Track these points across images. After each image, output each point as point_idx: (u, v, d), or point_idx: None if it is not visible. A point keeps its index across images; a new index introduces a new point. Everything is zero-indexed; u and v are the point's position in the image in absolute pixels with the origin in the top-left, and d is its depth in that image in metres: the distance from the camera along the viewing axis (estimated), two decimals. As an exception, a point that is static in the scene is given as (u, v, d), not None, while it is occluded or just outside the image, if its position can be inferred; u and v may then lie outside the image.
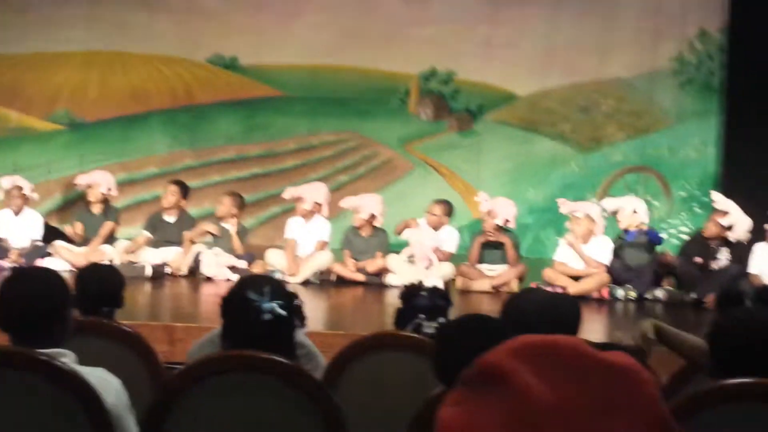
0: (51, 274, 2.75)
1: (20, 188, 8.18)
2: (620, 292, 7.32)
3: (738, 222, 7.33)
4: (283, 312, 2.68)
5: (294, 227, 7.95)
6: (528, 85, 10.06)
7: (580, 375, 1.01)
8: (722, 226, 7.36)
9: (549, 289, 7.11)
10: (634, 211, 7.54)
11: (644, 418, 1.01)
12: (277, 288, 2.75)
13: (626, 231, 7.59)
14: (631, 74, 9.86)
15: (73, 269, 7.54)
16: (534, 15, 9.94)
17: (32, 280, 2.66)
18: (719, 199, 7.58)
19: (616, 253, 7.53)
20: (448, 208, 7.86)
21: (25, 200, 8.23)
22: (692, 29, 9.76)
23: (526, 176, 10.00)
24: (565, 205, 7.61)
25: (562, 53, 9.88)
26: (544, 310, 2.87)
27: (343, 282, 7.66)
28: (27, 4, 10.26)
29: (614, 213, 7.62)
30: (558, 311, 2.92)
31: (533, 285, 7.17)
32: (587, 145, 10.03)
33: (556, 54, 9.89)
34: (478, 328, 2.45)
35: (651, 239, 7.44)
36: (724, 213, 7.40)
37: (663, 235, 7.72)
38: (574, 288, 7.24)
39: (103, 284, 3.64)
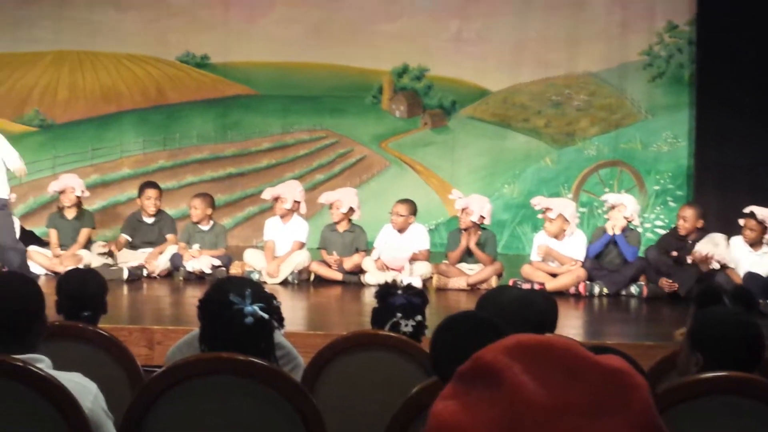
0: (25, 279, 2.73)
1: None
2: (596, 289, 7.36)
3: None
4: (264, 315, 2.67)
5: (272, 228, 7.93)
6: (500, 80, 10.09)
7: (573, 376, 1.02)
8: (693, 221, 7.43)
9: (527, 285, 7.15)
10: (630, 216, 7.50)
11: (636, 422, 1.01)
12: (257, 290, 2.75)
13: (604, 230, 7.57)
14: (601, 68, 9.92)
15: (49, 274, 7.48)
16: (503, 9, 9.97)
17: (6, 286, 2.64)
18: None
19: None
20: (413, 207, 7.85)
21: (4, 203, 8.10)
22: (661, 22, 9.83)
23: (500, 172, 10.04)
24: (539, 203, 7.64)
25: (533, 48, 9.92)
26: (518, 308, 2.89)
27: (321, 281, 7.66)
28: (-7, 6, 10.16)
29: (611, 207, 7.54)
30: (532, 308, 2.94)
31: (511, 282, 7.20)
32: (561, 140, 10.08)
33: (527, 49, 9.93)
34: (476, 325, 2.45)
35: (624, 256, 7.43)
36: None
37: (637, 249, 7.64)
38: (551, 284, 7.27)
39: (84, 289, 3.63)
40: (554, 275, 7.43)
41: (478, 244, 7.61)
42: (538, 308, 2.98)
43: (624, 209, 7.45)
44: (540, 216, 7.71)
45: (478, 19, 9.98)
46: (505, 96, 10.13)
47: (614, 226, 7.44)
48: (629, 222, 7.50)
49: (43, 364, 2.50)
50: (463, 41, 10.00)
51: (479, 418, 1.00)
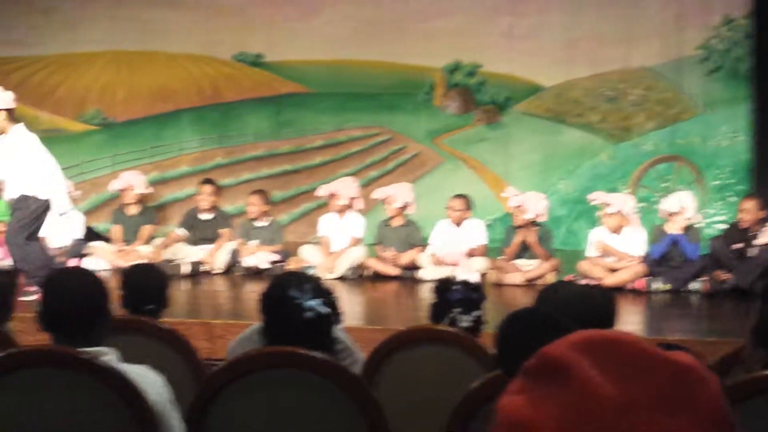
0: (90, 275, 2.79)
1: (63, 187, 8.25)
2: (656, 285, 7.25)
3: None
4: (324, 310, 2.70)
5: (326, 224, 7.98)
6: (553, 75, 10.01)
7: (642, 371, 1.01)
8: (754, 213, 7.31)
9: (584, 281, 7.08)
10: (691, 217, 7.33)
11: (707, 419, 1.00)
12: (317, 286, 2.77)
13: (663, 230, 7.43)
14: (657, 63, 9.79)
15: (112, 269, 7.64)
16: (556, 4, 9.90)
17: (72, 281, 2.70)
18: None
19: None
20: (469, 202, 7.85)
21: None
22: (717, 16, 9.66)
23: (555, 168, 9.96)
24: (597, 198, 7.56)
25: (586, 43, 9.83)
26: (577, 303, 2.87)
27: (377, 277, 7.70)
28: (51, 6, 10.36)
29: (672, 213, 7.37)
30: (591, 304, 2.92)
31: (568, 277, 7.15)
32: (617, 135, 9.97)
33: (580, 44, 9.84)
34: (542, 321, 2.45)
35: (687, 256, 7.29)
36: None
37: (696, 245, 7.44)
38: (609, 280, 7.19)
39: (148, 283, 3.70)
40: (612, 271, 7.36)
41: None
42: (597, 304, 2.96)
43: (685, 212, 7.31)
44: (599, 213, 7.63)
45: (530, 14, 9.92)
46: (558, 91, 10.06)
47: (674, 227, 7.31)
48: (690, 222, 7.36)
49: (109, 357, 2.55)
50: (515, 37, 9.95)
51: (547, 412, 1.01)
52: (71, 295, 2.61)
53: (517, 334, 2.40)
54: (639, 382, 1.01)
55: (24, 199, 6.40)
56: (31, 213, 6.39)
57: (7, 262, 6.73)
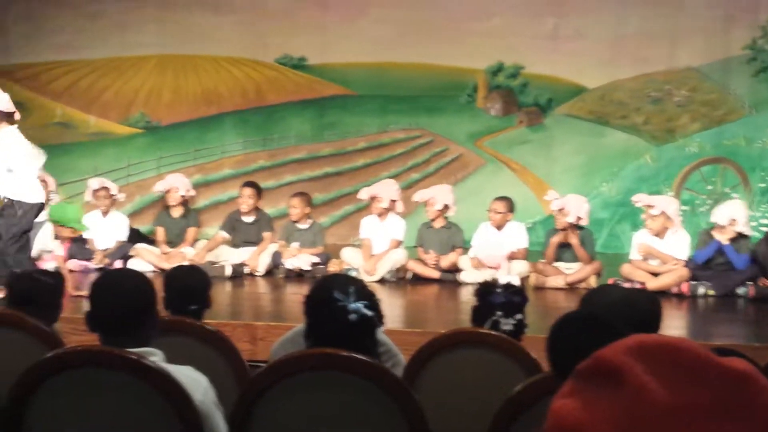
0: (138, 276, 2.83)
1: (108, 189, 8.37)
2: (701, 289, 7.15)
3: None
4: (368, 312, 2.70)
5: (368, 226, 8.00)
6: (597, 77, 9.95)
7: (696, 378, 1.00)
8: None
9: (627, 284, 7.01)
10: (741, 229, 7.14)
11: (763, 428, 1.00)
12: (361, 288, 2.78)
13: (710, 235, 7.29)
14: (703, 63, 9.69)
15: (156, 270, 7.72)
16: (600, 5, 9.83)
17: (121, 282, 2.74)
18: None
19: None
20: (511, 204, 7.81)
21: (113, 202, 8.42)
22: (765, 15, 9.54)
23: (598, 170, 9.89)
24: (641, 200, 7.48)
25: (631, 43, 9.76)
26: (622, 307, 2.85)
27: (418, 279, 7.70)
28: (98, 11, 10.52)
29: (727, 223, 7.16)
30: (636, 307, 2.90)
31: (611, 281, 7.09)
32: (661, 137, 9.88)
33: (625, 44, 9.77)
34: (595, 324, 2.43)
35: (734, 265, 7.14)
36: None
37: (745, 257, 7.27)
38: (652, 283, 7.11)
39: (191, 284, 3.74)
40: (655, 274, 7.28)
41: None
42: (641, 307, 2.94)
43: (736, 224, 7.17)
44: (643, 216, 7.55)
45: (574, 15, 9.87)
46: (602, 93, 9.99)
47: (723, 237, 7.17)
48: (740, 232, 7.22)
49: (156, 357, 2.58)
50: (559, 38, 9.90)
51: (599, 416, 1.00)
52: (119, 296, 2.65)
53: (570, 336, 2.39)
54: (693, 388, 1.00)
55: (10, 206, 6.24)
56: (18, 219, 6.20)
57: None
